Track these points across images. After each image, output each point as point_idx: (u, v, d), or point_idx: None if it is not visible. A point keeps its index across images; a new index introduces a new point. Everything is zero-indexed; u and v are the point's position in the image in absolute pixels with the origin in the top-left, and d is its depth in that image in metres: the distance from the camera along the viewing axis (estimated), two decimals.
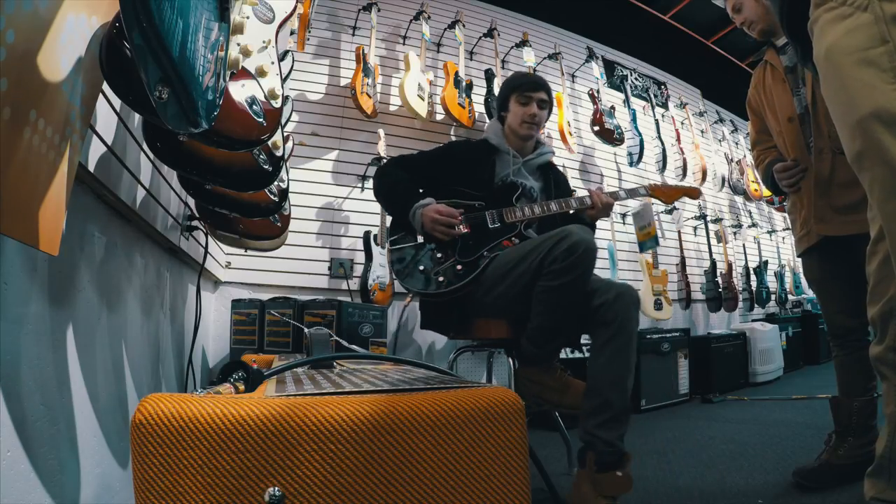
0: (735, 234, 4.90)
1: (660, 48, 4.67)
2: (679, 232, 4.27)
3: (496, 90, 3.28)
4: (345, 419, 0.53)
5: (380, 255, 2.69)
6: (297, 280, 2.75)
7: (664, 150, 4.17)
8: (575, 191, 1.90)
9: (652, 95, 4.47)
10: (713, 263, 4.35)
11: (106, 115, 0.85)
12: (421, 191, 1.64)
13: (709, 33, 4.79)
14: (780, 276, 5.23)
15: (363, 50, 2.91)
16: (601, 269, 3.56)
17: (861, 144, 0.79)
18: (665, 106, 4.57)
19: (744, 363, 3.70)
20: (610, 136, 3.77)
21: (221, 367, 0.71)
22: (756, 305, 4.80)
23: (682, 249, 4.28)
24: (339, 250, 2.89)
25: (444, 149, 1.78)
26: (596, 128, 3.76)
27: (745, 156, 5.03)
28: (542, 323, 1.36)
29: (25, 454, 0.66)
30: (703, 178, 4.32)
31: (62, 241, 0.65)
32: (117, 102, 0.89)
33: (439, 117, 3.24)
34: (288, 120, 2.04)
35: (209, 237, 1.72)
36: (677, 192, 1.89)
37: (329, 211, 2.92)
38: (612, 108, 3.93)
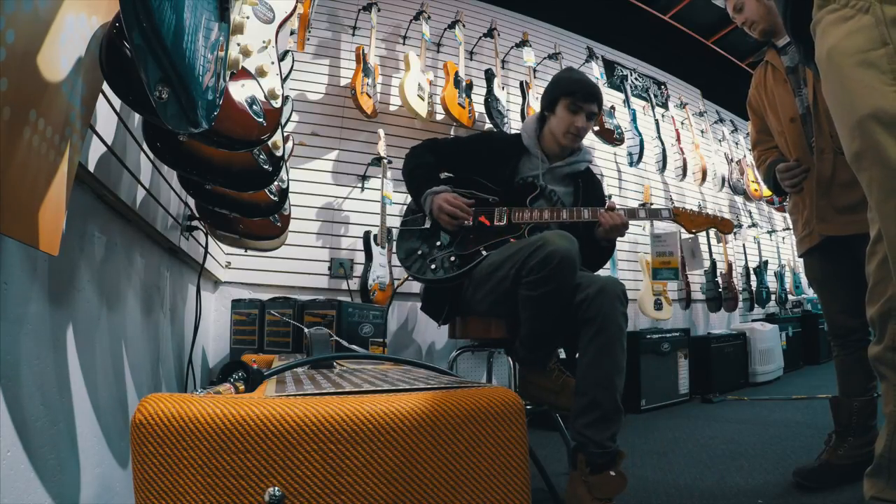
0: (735, 234, 4.90)
1: (660, 48, 4.67)
2: (679, 232, 4.27)
3: (496, 90, 3.29)
4: (345, 419, 0.53)
5: (380, 255, 2.69)
6: (297, 280, 2.75)
7: (664, 150, 4.17)
8: (610, 196, 1.82)
9: (652, 95, 4.47)
10: (713, 263, 4.35)
11: (106, 115, 0.85)
12: (444, 176, 1.64)
13: (709, 33, 4.79)
14: (780, 276, 5.23)
15: (363, 50, 2.91)
16: (602, 269, 3.56)
17: (860, 145, 0.79)
18: (665, 106, 4.57)
19: (744, 363, 3.70)
20: (610, 136, 3.77)
21: (221, 367, 0.71)
22: (756, 305, 4.80)
23: (682, 249, 4.28)
24: (339, 250, 2.89)
25: (476, 137, 1.75)
26: (596, 128, 3.76)
27: (745, 156, 5.03)
28: (530, 329, 1.35)
29: (25, 454, 0.66)
30: (703, 178, 4.32)
31: (62, 241, 0.65)
32: (117, 102, 0.89)
33: (439, 117, 3.24)
34: (288, 120, 2.04)
35: (209, 237, 1.72)
36: (705, 221, 1.57)
37: (329, 211, 2.92)
38: (612, 108, 3.93)
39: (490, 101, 3.26)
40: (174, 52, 0.50)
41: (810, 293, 5.24)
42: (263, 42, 0.85)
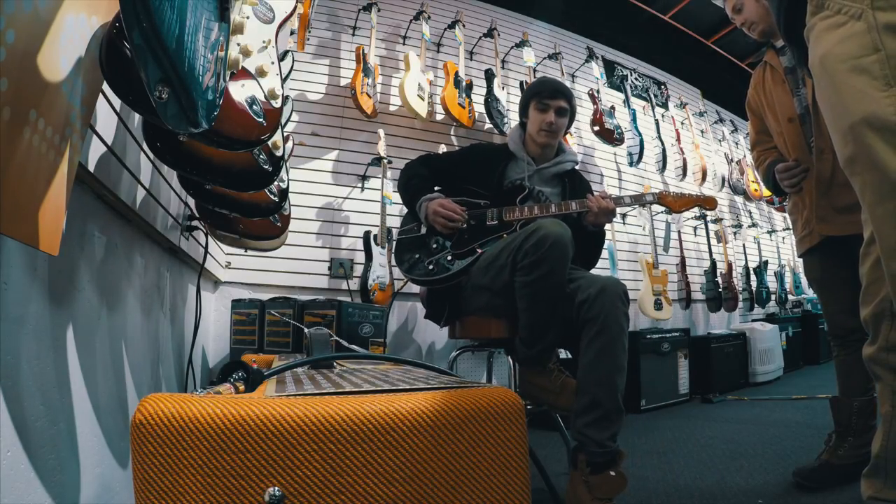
0: (735, 234, 4.90)
1: (660, 48, 4.67)
2: (679, 232, 4.27)
3: (496, 90, 3.29)
4: (345, 419, 0.53)
5: (380, 255, 2.69)
6: (297, 280, 2.75)
7: (664, 150, 4.17)
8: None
9: (652, 95, 4.47)
10: (713, 263, 4.35)
11: (106, 115, 0.85)
12: (438, 188, 1.72)
13: (709, 33, 4.79)
14: (780, 276, 5.23)
15: (363, 50, 2.91)
16: (602, 269, 3.56)
17: (853, 150, 0.81)
18: (665, 106, 4.57)
19: (744, 363, 3.70)
20: (610, 136, 3.77)
21: (221, 367, 0.71)
22: (756, 305, 4.80)
23: (682, 249, 4.28)
24: (339, 250, 2.89)
25: (466, 150, 1.84)
26: (596, 128, 3.76)
27: (745, 156, 5.04)
28: (527, 320, 1.36)
29: (25, 454, 0.66)
30: (703, 178, 4.32)
31: (62, 241, 0.65)
32: (117, 102, 0.89)
33: (439, 117, 3.24)
34: (288, 120, 2.04)
35: (209, 237, 1.72)
36: (688, 200, 1.66)
37: (329, 211, 2.92)
38: (612, 108, 3.93)
39: (490, 101, 3.26)
40: (174, 53, 0.50)
41: (810, 293, 5.24)
42: (263, 42, 0.85)
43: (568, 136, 3.56)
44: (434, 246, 1.62)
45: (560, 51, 3.78)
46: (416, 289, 2.68)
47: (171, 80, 0.51)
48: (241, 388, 0.66)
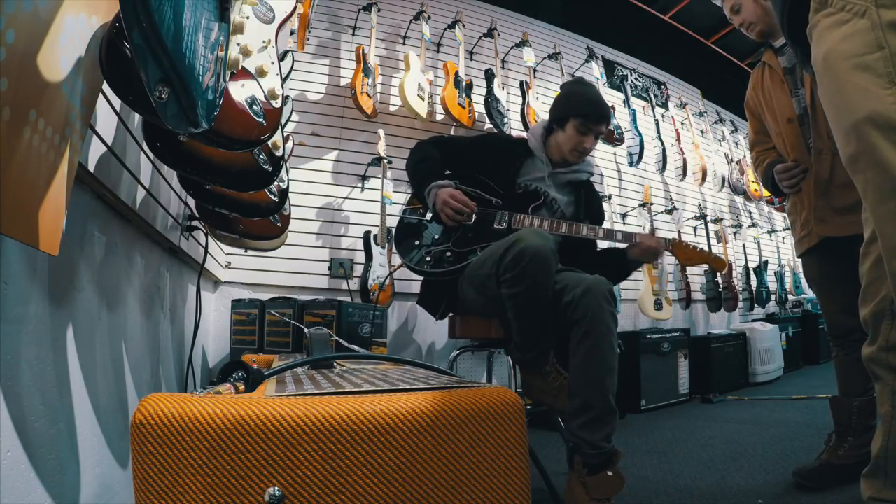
0: (735, 234, 4.90)
1: (660, 48, 4.67)
2: (679, 232, 4.27)
3: (496, 90, 3.28)
4: (345, 419, 0.53)
5: (380, 255, 2.69)
6: (297, 280, 2.75)
7: (664, 150, 4.17)
8: (611, 196, 1.84)
9: (652, 95, 4.47)
10: None
11: (106, 115, 0.85)
12: (448, 172, 1.66)
13: (709, 33, 4.79)
14: (780, 276, 5.23)
15: (363, 50, 2.91)
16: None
17: (855, 148, 0.80)
18: (665, 106, 4.57)
19: (744, 363, 3.70)
20: (610, 136, 3.77)
21: (221, 367, 0.71)
22: (756, 305, 4.79)
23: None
24: (339, 250, 2.89)
25: (482, 138, 1.77)
26: None
27: (744, 156, 5.03)
28: (518, 327, 1.35)
29: (25, 454, 0.66)
30: (703, 178, 4.32)
31: (62, 241, 0.65)
32: (117, 102, 0.89)
33: (439, 117, 3.24)
34: (288, 120, 2.04)
35: (209, 237, 1.72)
36: (698, 257, 1.59)
37: (329, 211, 2.92)
38: (613, 108, 3.93)
39: (490, 101, 3.26)
40: (174, 52, 0.50)
41: (810, 293, 5.24)
42: (263, 42, 0.85)
43: None
44: (436, 237, 1.59)
45: (560, 51, 3.78)
46: (415, 287, 2.68)
47: (171, 80, 0.51)
48: (241, 388, 0.66)
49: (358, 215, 2.96)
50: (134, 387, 1.16)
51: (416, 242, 1.60)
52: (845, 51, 0.80)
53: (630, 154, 3.98)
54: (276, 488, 0.50)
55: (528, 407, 1.43)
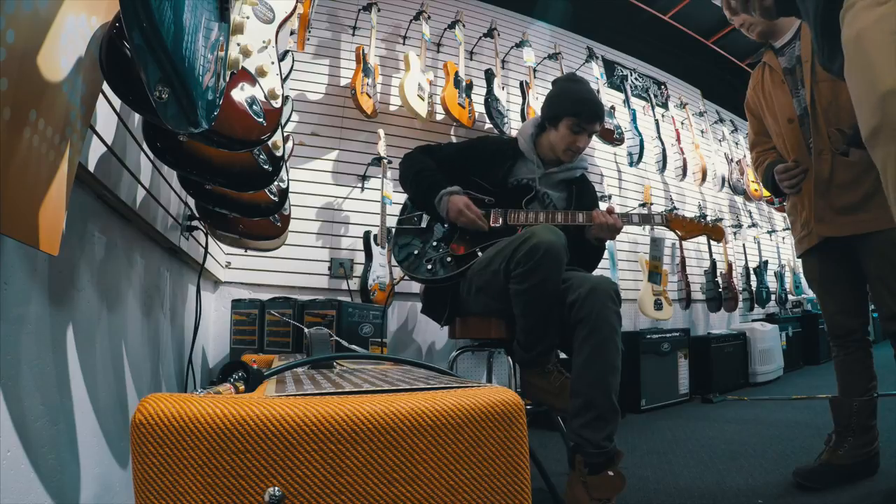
0: (735, 234, 4.90)
1: (660, 48, 4.67)
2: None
3: (496, 90, 3.28)
4: (345, 419, 0.53)
5: (380, 255, 2.69)
6: (297, 280, 2.75)
7: (664, 150, 4.17)
8: (610, 196, 1.83)
9: (652, 95, 4.47)
10: (713, 263, 4.35)
11: (106, 115, 0.85)
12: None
13: (709, 33, 4.79)
14: (780, 276, 5.23)
15: (363, 50, 2.91)
16: (602, 269, 3.57)
17: (879, 120, 0.77)
18: (665, 106, 4.57)
19: (744, 363, 3.70)
20: (610, 136, 3.77)
21: (221, 367, 0.71)
22: (756, 305, 4.80)
23: (682, 249, 4.28)
24: (339, 250, 2.89)
25: (473, 142, 1.77)
26: None
27: (745, 156, 5.04)
28: (523, 325, 1.35)
29: (25, 454, 0.66)
30: (703, 178, 4.32)
31: (62, 241, 0.65)
32: (117, 102, 0.89)
33: (439, 117, 3.24)
34: (288, 120, 2.04)
35: (209, 237, 1.72)
36: (697, 228, 1.63)
37: (329, 211, 2.92)
38: (612, 108, 3.93)
39: (490, 101, 3.26)
40: (174, 52, 0.50)
41: (810, 293, 5.24)
42: (263, 42, 0.85)
43: None
44: (434, 243, 1.59)
45: (560, 51, 3.78)
46: (415, 287, 2.68)
47: (171, 80, 0.51)
48: (241, 388, 0.66)
49: (358, 215, 2.96)
50: (134, 387, 1.16)
51: (416, 251, 1.60)
52: (881, 28, 0.79)
53: (630, 154, 3.98)
54: (276, 488, 0.50)
55: (528, 407, 1.43)
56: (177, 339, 1.68)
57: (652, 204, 4.00)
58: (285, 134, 1.20)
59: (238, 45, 0.79)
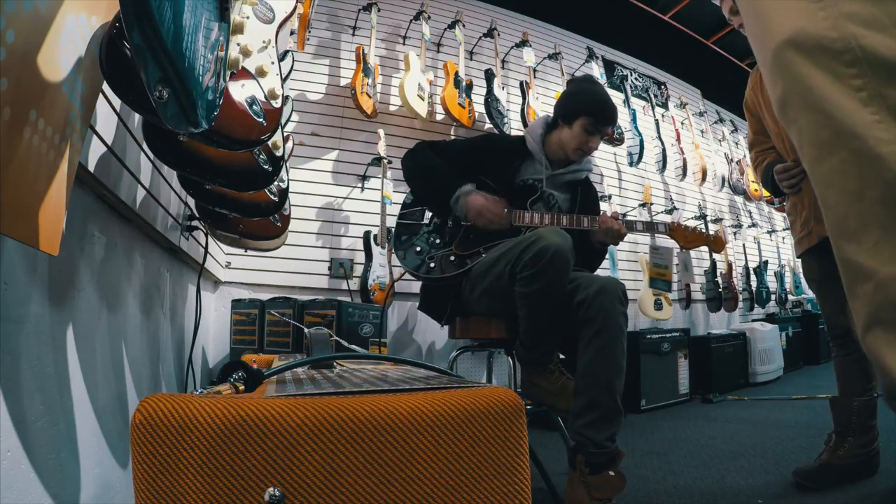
0: (735, 234, 4.90)
1: (660, 48, 4.67)
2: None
3: (496, 90, 3.28)
4: (345, 419, 0.53)
5: (380, 255, 2.69)
6: (297, 280, 2.75)
7: (664, 150, 4.17)
8: (611, 196, 1.83)
9: (652, 95, 4.47)
10: (713, 263, 4.35)
11: (106, 115, 0.85)
12: None
13: (709, 33, 4.79)
14: (780, 276, 5.23)
15: (363, 50, 2.91)
16: (602, 269, 3.57)
17: (783, 88, 0.60)
18: (665, 106, 4.57)
19: (744, 363, 3.70)
20: (610, 136, 3.77)
21: (221, 367, 0.71)
22: (756, 305, 4.80)
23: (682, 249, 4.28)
24: (339, 250, 2.89)
25: (479, 140, 1.74)
26: None
27: (744, 156, 5.04)
28: (527, 327, 1.35)
29: (25, 454, 0.66)
30: (703, 178, 4.32)
31: (62, 241, 0.65)
32: (117, 102, 0.89)
33: (439, 117, 3.24)
34: (288, 120, 2.04)
35: (209, 237, 1.72)
36: (699, 238, 1.65)
37: (329, 211, 2.92)
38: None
39: (490, 101, 3.26)
40: (174, 52, 0.50)
41: (810, 293, 5.24)
42: (263, 42, 0.85)
43: None
44: (437, 241, 1.58)
45: (560, 51, 3.78)
46: (415, 287, 2.68)
47: (171, 80, 0.51)
48: (241, 388, 0.66)
49: (358, 215, 2.96)
50: (134, 387, 1.16)
51: (417, 249, 1.58)
52: None
53: (630, 154, 3.98)
54: (276, 488, 0.50)
55: (528, 407, 1.43)
56: (177, 339, 1.68)
57: (652, 204, 4.00)
58: (285, 134, 1.20)
59: (238, 45, 0.79)
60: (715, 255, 4.41)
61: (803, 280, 5.36)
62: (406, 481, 0.54)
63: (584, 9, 4.14)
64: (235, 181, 0.93)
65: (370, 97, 2.85)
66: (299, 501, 0.51)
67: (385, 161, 2.80)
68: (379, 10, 3.10)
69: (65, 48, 0.60)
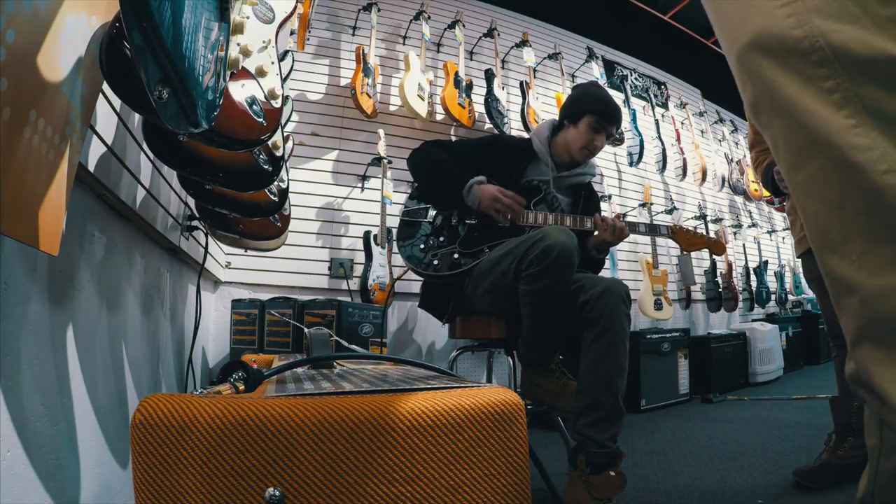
0: (735, 234, 4.90)
1: (660, 48, 4.67)
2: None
3: (496, 90, 3.28)
4: (345, 419, 0.53)
5: (380, 255, 2.69)
6: (297, 280, 2.75)
7: (664, 150, 4.17)
8: (611, 196, 1.84)
9: (652, 95, 4.47)
10: (713, 263, 4.35)
11: (106, 115, 0.85)
12: None
13: (709, 33, 4.78)
14: (780, 276, 5.24)
15: (363, 50, 2.91)
16: (602, 269, 3.57)
17: (751, 91, 0.58)
18: (665, 106, 4.57)
19: (744, 363, 3.70)
20: (610, 136, 3.77)
21: (221, 367, 0.71)
22: (756, 305, 4.80)
23: (683, 252, 4.28)
24: (339, 250, 2.89)
25: (487, 140, 1.75)
26: None
27: (744, 156, 5.04)
28: (530, 325, 1.35)
29: (25, 454, 0.66)
30: (703, 178, 4.32)
31: (62, 241, 0.65)
32: (117, 102, 0.89)
33: (439, 117, 3.24)
34: (288, 120, 2.04)
35: (209, 237, 1.72)
36: (700, 241, 1.68)
37: (329, 211, 2.92)
38: None
39: (490, 101, 3.26)
40: (174, 53, 0.50)
41: (810, 293, 5.24)
42: (263, 42, 0.84)
43: None
44: (441, 239, 1.58)
45: (560, 51, 3.78)
46: (415, 287, 2.68)
47: (171, 80, 0.51)
48: (241, 388, 0.66)
49: (358, 215, 2.96)
50: (134, 387, 1.16)
51: (421, 246, 1.59)
52: None
53: (630, 154, 3.98)
54: (276, 488, 0.50)
55: (528, 407, 1.43)
56: (177, 339, 1.68)
57: (652, 204, 4.00)
58: (285, 134, 1.20)
59: (238, 45, 0.79)
60: (715, 256, 4.42)
61: (803, 280, 5.36)
62: (406, 481, 0.54)
63: (584, 9, 4.14)
64: (235, 181, 0.93)
65: (370, 97, 2.85)
66: (299, 501, 0.51)
67: (385, 161, 2.80)
68: (379, 10, 3.10)
69: (65, 48, 0.61)
